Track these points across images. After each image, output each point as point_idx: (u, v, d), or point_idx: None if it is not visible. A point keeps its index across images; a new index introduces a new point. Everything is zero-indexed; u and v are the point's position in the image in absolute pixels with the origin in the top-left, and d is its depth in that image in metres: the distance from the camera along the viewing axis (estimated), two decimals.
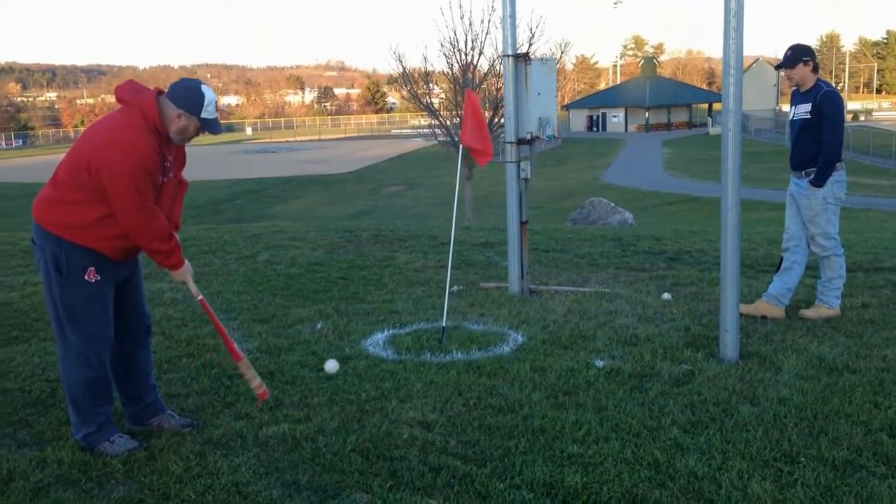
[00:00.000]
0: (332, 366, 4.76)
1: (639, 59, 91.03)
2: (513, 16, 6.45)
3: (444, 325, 5.60)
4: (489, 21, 17.78)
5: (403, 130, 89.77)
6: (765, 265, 8.11)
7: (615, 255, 8.74)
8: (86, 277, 3.63)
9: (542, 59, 6.55)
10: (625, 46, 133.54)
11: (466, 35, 17.95)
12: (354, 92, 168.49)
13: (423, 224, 14.78)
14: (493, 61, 18.56)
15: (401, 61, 18.74)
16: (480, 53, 18.80)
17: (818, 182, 5.75)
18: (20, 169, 63.14)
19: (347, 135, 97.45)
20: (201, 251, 9.19)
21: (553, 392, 4.41)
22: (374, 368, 4.85)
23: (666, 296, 6.59)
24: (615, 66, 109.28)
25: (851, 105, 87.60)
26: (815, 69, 5.83)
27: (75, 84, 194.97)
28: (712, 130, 62.20)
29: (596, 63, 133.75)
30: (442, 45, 18.99)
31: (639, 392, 4.40)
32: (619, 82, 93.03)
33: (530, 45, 17.87)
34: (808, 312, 5.94)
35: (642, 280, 7.36)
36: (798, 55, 5.77)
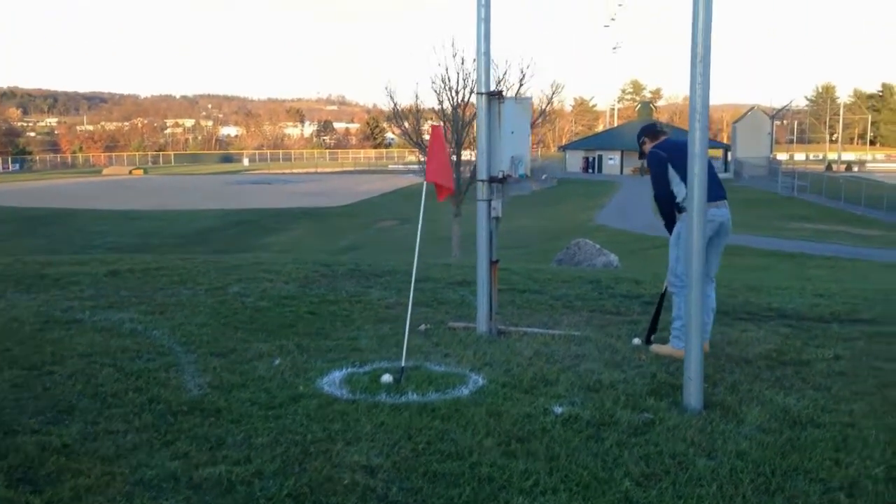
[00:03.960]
0: (386, 378, 5.15)
1: (636, 104, 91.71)
2: (487, 53, 6.39)
3: (402, 365, 5.45)
4: None
5: (399, 166, 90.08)
6: (742, 313, 8.00)
7: (591, 298, 8.62)
8: None
9: (515, 98, 6.49)
10: (623, 90, 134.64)
11: (458, 73, 18.06)
12: (354, 126, 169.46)
13: (405, 260, 14.65)
14: None
15: (392, 97, 18.78)
16: (472, 92, 18.67)
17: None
18: (12, 193, 63.10)
19: (344, 169, 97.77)
20: (172, 281, 9.05)
21: (506, 438, 4.26)
22: (326, 408, 4.70)
23: (636, 341, 6.46)
24: (613, 109, 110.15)
25: (846, 156, 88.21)
26: (654, 136, 6.35)
27: (76, 110, 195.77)
28: None
29: (594, 106, 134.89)
30: (433, 83, 19.07)
31: (594, 441, 4.25)
32: (616, 125, 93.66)
33: (521, 85, 17.94)
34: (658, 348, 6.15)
35: (615, 324, 7.24)
36: (638, 142, 6.42)
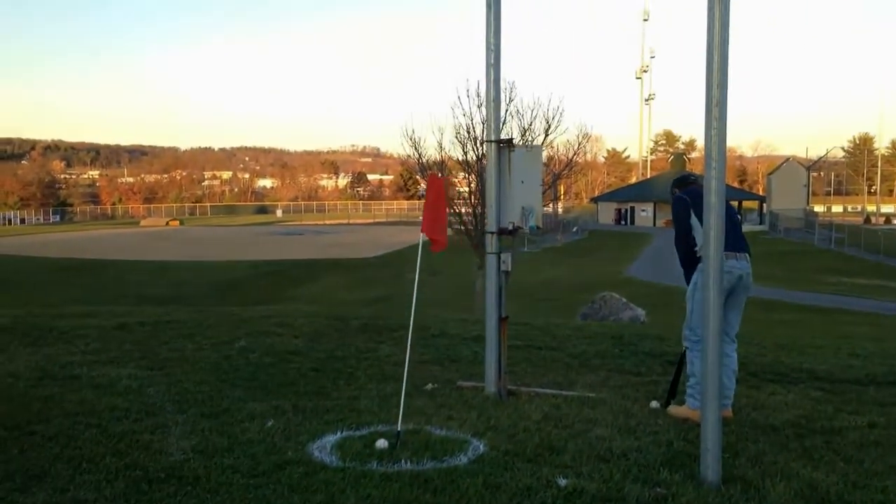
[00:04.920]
0: (381, 444, 4.82)
1: (669, 155, 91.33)
2: (496, 100, 6.16)
3: (398, 429, 5.12)
4: (506, 110, 17.70)
5: None
6: (771, 373, 7.55)
7: (611, 356, 8.23)
8: None
9: (526, 146, 6.23)
10: (656, 142, 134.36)
11: (483, 124, 17.84)
12: (388, 178, 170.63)
13: (426, 313, 14.34)
14: None
15: (417, 148, 18.67)
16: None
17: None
18: (51, 243, 64.02)
19: (376, 220, 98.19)
20: (179, 335, 8.82)
21: None
22: (311, 477, 4.37)
23: (654, 404, 6.07)
24: (645, 160, 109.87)
25: (885, 208, 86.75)
26: (683, 186, 6.13)
27: (117, 163, 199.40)
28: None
29: (627, 157, 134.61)
30: (458, 133, 18.93)
31: None
32: (648, 177, 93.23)
33: (546, 135, 17.74)
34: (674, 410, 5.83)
35: (633, 385, 6.84)
36: (671, 191, 6.16)
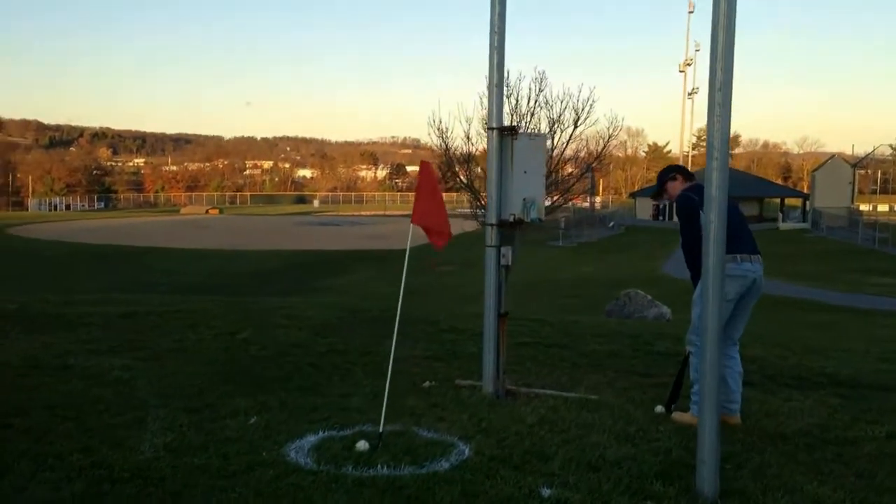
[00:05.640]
0: (362, 446, 4.62)
1: None
2: (500, 85, 5.88)
3: (381, 430, 4.88)
4: (535, 101, 17.35)
5: (467, 210, 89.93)
6: (790, 378, 7.19)
7: (623, 356, 7.91)
8: None
9: (530, 135, 5.95)
10: (698, 137, 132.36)
11: (511, 115, 17.51)
12: None
13: (447, 308, 14.14)
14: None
15: (443, 138, 18.36)
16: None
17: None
18: (91, 230, 64.91)
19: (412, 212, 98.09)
20: (184, 325, 8.69)
21: None
22: (280, 481, 4.15)
23: (658, 409, 5.75)
24: (685, 155, 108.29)
25: None
26: (687, 177, 5.77)
27: (162, 151, 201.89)
28: (783, 225, 60.46)
29: (668, 152, 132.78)
30: (485, 124, 18.47)
31: None
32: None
33: (576, 126, 17.34)
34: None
35: (640, 387, 6.52)
36: (661, 180, 5.82)
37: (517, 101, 17.20)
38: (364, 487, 4.07)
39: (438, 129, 18.10)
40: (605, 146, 18.98)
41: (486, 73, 5.88)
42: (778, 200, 71.49)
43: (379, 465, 4.40)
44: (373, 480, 4.17)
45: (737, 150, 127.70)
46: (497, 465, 4.48)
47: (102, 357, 7.03)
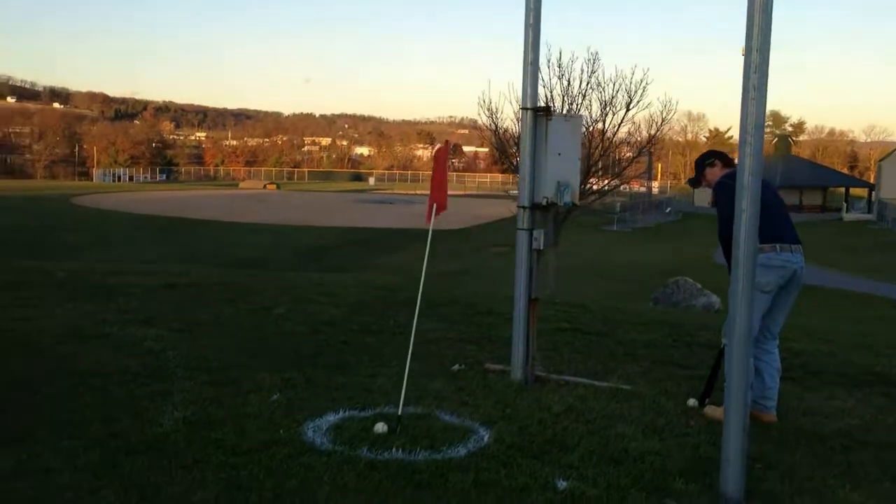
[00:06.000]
0: (380, 428, 4.54)
1: (774, 137, 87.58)
2: (535, 63, 5.70)
3: (399, 412, 4.81)
4: (587, 83, 16.97)
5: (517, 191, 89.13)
6: (836, 375, 6.91)
7: (662, 345, 7.71)
8: None
9: (566, 116, 5.79)
10: None
11: (563, 96, 17.22)
12: (483, 150, 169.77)
13: (487, 290, 14.00)
14: (588, 125, 17.58)
15: (493, 118, 18.11)
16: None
17: None
18: (154, 201, 66.16)
19: (468, 192, 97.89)
20: (222, 298, 8.74)
21: None
22: (292, 460, 4.11)
23: (691, 402, 5.57)
24: None
25: None
26: (727, 163, 5.52)
27: (223, 126, 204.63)
28: (847, 216, 58.82)
29: (730, 138, 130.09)
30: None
31: None
32: None
33: (628, 109, 16.94)
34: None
35: (676, 379, 6.34)
36: (699, 166, 5.58)
37: (569, 81, 16.92)
38: (376, 471, 4.00)
39: (488, 110, 17.84)
40: (658, 130, 18.50)
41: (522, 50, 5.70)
42: (843, 190, 69.53)
43: (394, 449, 4.33)
44: (386, 464, 4.10)
45: (802, 138, 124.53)
46: (515, 453, 4.37)
47: (137, 327, 7.09)
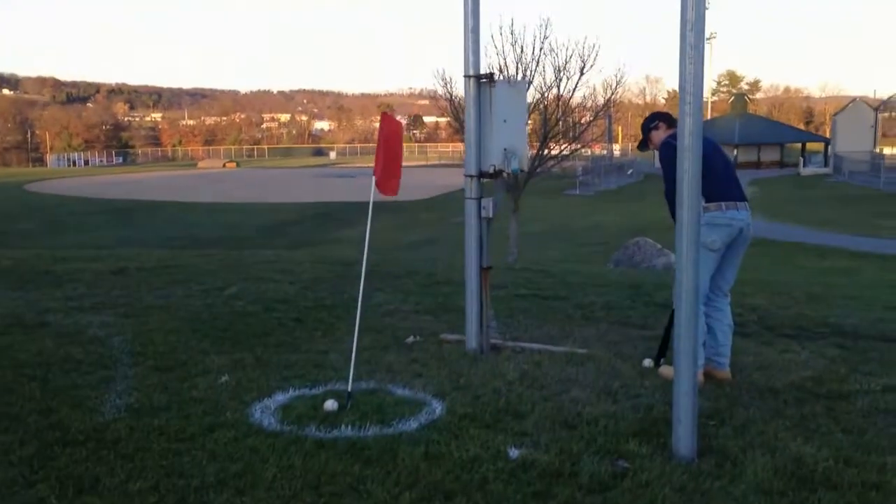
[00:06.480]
0: (330, 405, 4.43)
1: (731, 96, 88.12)
2: (475, 31, 5.57)
3: (349, 389, 4.71)
4: (540, 49, 16.84)
5: None
6: (790, 328, 6.95)
7: (620, 307, 7.69)
8: None
9: (509, 82, 5.67)
10: (718, 83, 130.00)
11: (517, 64, 17.09)
12: (444, 120, 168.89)
13: (453, 256, 13.91)
14: (543, 91, 17.53)
15: (448, 87, 17.92)
16: (530, 83, 17.66)
17: None
18: (109, 185, 65.03)
19: (429, 162, 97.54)
20: (173, 280, 8.55)
21: (432, 492, 3.48)
22: (237, 443, 4.01)
23: (647, 362, 5.55)
24: (705, 101, 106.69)
25: None
26: (672, 124, 5.38)
27: (178, 106, 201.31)
28: (804, 171, 59.52)
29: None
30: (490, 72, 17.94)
31: (539, 500, 3.43)
32: (709, 118, 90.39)
33: (581, 74, 16.87)
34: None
35: (633, 340, 6.32)
36: (645, 129, 5.55)
37: (522, 48, 16.80)
38: (323, 449, 3.91)
39: (443, 80, 17.70)
40: (613, 93, 18.51)
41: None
42: (800, 146, 70.24)
43: (343, 426, 4.24)
44: (333, 443, 4.01)
45: (758, 95, 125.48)
46: (468, 423, 4.31)
47: (84, 314, 6.90)
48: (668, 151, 5.16)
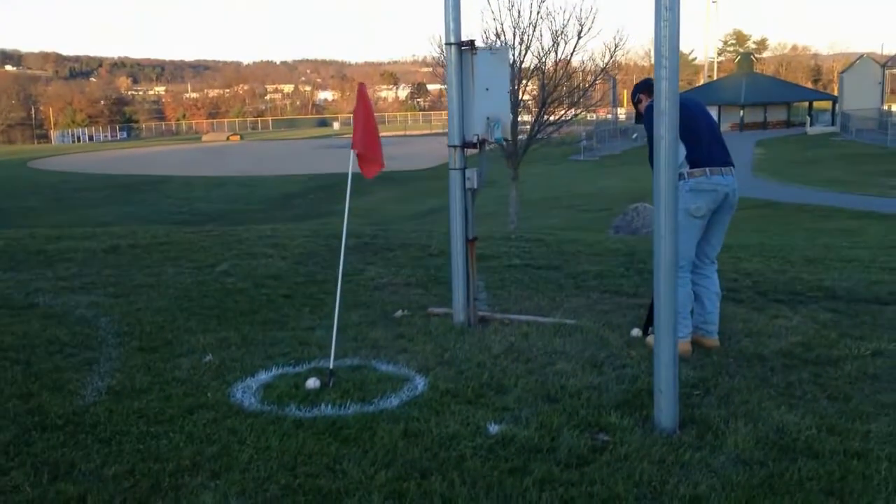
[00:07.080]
0: (312, 383, 4.42)
1: (737, 56, 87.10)
2: None
3: (331, 366, 4.68)
4: (537, 13, 16.61)
5: None
6: (783, 293, 6.87)
7: (613, 276, 7.62)
8: None
9: (491, 49, 5.56)
10: (725, 42, 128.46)
11: (514, 29, 16.88)
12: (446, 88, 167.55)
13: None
14: (541, 57, 17.32)
15: (443, 52, 17.70)
16: (527, 49, 17.51)
17: None
18: (113, 160, 64.95)
19: (433, 131, 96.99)
20: (165, 258, 8.52)
21: (408, 470, 3.45)
22: (217, 424, 3.98)
23: (635, 332, 5.50)
24: (712, 62, 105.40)
25: None
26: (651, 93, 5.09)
27: (181, 79, 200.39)
28: (811, 130, 58.96)
29: (694, 59, 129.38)
30: (486, 38, 17.77)
31: (515, 476, 3.39)
32: (714, 79, 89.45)
33: (579, 38, 16.63)
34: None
35: (623, 309, 6.26)
36: (634, 104, 5.45)
37: (519, 13, 16.58)
38: (301, 429, 3.89)
39: (439, 47, 17.50)
40: (612, 56, 18.30)
41: None
42: (806, 105, 69.52)
43: (324, 405, 4.21)
44: (313, 422, 3.98)
45: (765, 54, 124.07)
46: (449, 399, 4.28)
47: (72, 294, 6.88)
48: (650, 116, 5.09)
